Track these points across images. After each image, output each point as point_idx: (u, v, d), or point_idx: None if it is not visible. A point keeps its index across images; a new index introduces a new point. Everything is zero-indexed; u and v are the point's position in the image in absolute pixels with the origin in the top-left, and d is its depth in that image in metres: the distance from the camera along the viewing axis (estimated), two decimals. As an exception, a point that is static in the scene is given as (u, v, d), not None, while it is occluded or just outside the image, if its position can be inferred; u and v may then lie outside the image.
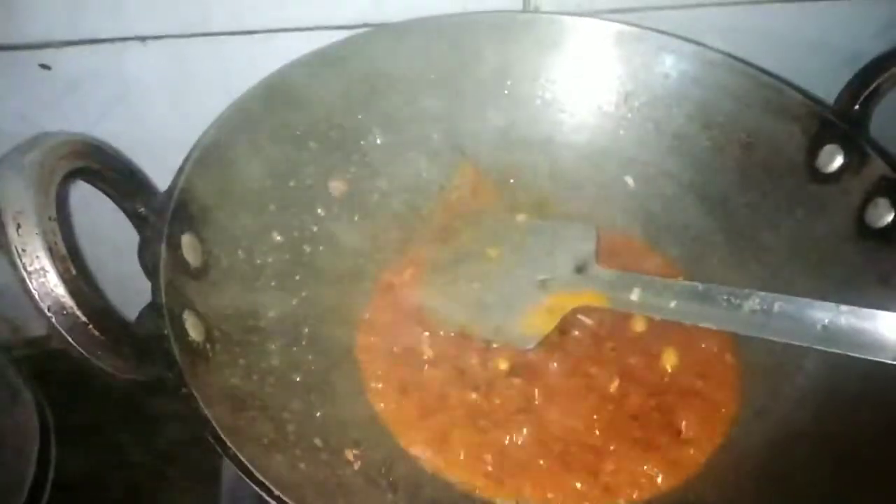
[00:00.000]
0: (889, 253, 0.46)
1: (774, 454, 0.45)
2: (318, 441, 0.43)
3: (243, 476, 0.34)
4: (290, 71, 0.50)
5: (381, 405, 0.48)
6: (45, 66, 0.52)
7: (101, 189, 0.43)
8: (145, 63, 0.53)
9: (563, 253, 0.54)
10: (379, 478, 0.44)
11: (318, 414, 0.45)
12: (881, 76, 0.50)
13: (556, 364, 0.50)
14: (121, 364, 0.37)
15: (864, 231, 0.48)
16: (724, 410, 0.49)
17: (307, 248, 0.51)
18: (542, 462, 0.46)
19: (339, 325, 0.51)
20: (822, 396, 0.46)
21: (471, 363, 0.50)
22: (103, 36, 0.51)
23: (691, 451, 0.47)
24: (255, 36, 0.53)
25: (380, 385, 0.49)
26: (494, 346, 0.51)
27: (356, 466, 0.44)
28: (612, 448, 0.47)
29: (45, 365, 0.58)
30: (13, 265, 0.34)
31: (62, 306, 0.34)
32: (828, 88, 0.54)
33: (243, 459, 0.34)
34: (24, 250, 0.34)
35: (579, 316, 0.52)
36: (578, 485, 0.46)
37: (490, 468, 0.46)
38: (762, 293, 0.45)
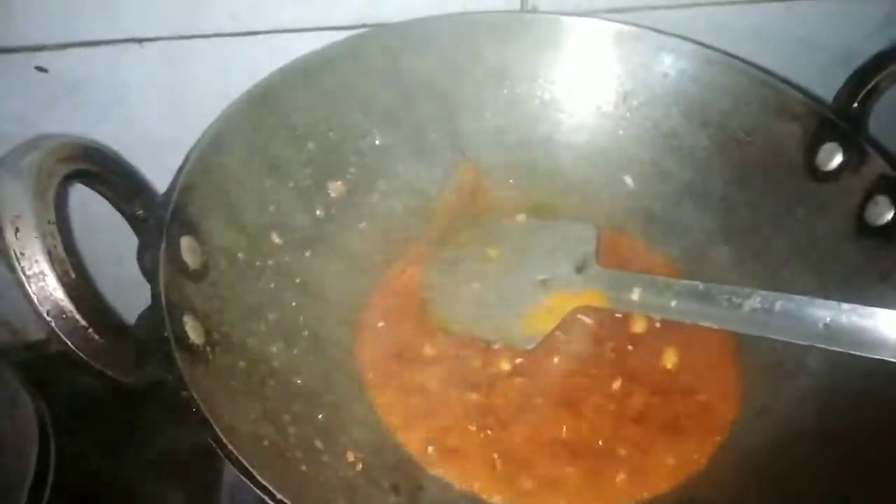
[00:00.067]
0: (889, 251, 0.46)
1: (776, 453, 0.45)
2: (319, 443, 0.43)
3: (244, 479, 0.34)
4: (288, 72, 0.50)
5: (383, 406, 0.48)
6: (41, 69, 0.52)
7: (99, 192, 0.42)
8: (142, 65, 0.53)
9: (564, 253, 0.53)
10: (381, 479, 0.44)
11: (320, 416, 0.45)
12: (880, 74, 0.50)
13: (556, 364, 0.50)
14: (121, 368, 0.36)
15: (864, 229, 0.48)
16: (725, 410, 0.49)
17: (307, 250, 0.51)
18: (543, 462, 0.46)
19: (339, 326, 0.51)
20: (824, 395, 0.45)
21: (472, 364, 0.50)
22: (100, 38, 0.51)
23: (693, 451, 0.47)
24: (253, 37, 0.53)
25: (381, 386, 0.49)
26: (495, 346, 0.51)
27: (358, 468, 0.44)
28: (613, 448, 0.47)
29: (44, 368, 0.57)
30: (12, 269, 0.34)
31: (61, 310, 0.34)
32: (824, 87, 0.54)
33: (244, 462, 0.34)
34: (22, 254, 0.34)
35: (579, 316, 0.52)
36: (581, 485, 0.46)
37: (491, 469, 0.46)
38: (763, 292, 0.45)
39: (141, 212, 0.43)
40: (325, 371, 0.48)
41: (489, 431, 0.47)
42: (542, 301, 0.52)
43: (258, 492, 0.34)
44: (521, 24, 0.56)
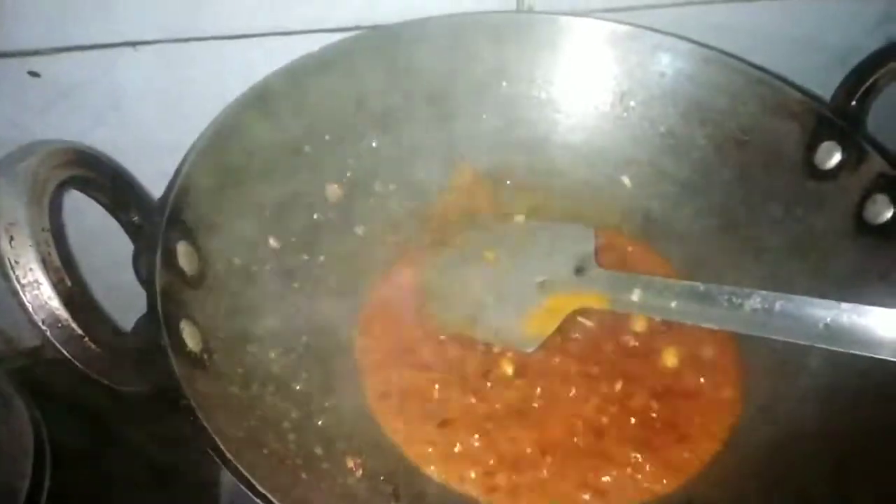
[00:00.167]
0: (888, 249, 0.46)
1: (777, 453, 0.45)
2: (319, 450, 0.43)
3: (244, 488, 0.34)
4: (283, 75, 0.50)
5: (382, 411, 0.48)
6: (34, 74, 0.51)
7: (94, 198, 0.42)
8: (137, 69, 0.52)
9: (562, 254, 0.53)
10: (381, 485, 0.44)
11: (320, 422, 0.45)
12: (878, 72, 0.50)
13: (557, 366, 0.50)
14: (117, 376, 0.36)
15: (863, 228, 0.48)
16: (726, 410, 0.49)
17: (304, 254, 0.51)
18: (545, 465, 0.46)
19: (337, 331, 0.51)
20: (825, 395, 0.45)
21: (471, 367, 0.50)
22: (94, 42, 0.51)
23: (694, 452, 0.47)
24: (248, 40, 0.53)
25: (380, 391, 0.49)
26: (495, 349, 0.50)
27: (358, 474, 0.44)
28: (615, 449, 0.47)
29: (40, 376, 0.57)
30: (6, 277, 0.33)
31: (57, 319, 0.34)
32: (821, 85, 0.54)
33: (243, 471, 0.34)
34: (17, 262, 0.33)
35: (579, 318, 0.52)
36: (582, 487, 0.45)
37: (493, 472, 0.46)
38: (763, 292, 0.45)
39: (136, 218, 0.42)
40: (323, 376, 0.48)
41: (490, 435, 0.47)
42: (542, 303, 0.51)
43: (258, 501, 0.34)
44: (518, 24, 0.56)
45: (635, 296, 0.50)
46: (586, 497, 0.45)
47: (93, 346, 0.35)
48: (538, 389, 0.49)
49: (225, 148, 0.47)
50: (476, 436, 0.47)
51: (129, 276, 0.40)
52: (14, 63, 0.50)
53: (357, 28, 0.54)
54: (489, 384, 0.49)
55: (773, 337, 0.44)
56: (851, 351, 0.41)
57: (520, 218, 0.58)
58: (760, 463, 0.45)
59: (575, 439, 0.47)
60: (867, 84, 0.50)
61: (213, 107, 0.47)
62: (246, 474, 0.34)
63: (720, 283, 0.48)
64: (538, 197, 0.59)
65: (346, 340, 0.51)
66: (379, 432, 0.47)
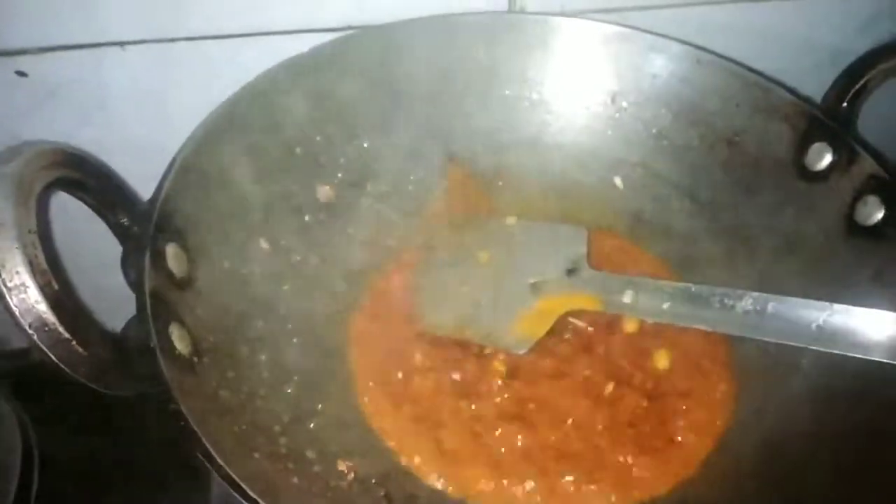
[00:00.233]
0: (880, 250, 0.47)
1: (771, 455, 0.45)
2: (310, 453, 0.43)
3: (234, 493, 0.33)
4: (272, 75, 0.50)
5: (374, 414, 0.47)
6: (21, 73, 0.51)
7: (82, 199, 0.42)
8: (125, 69, 0.52)
9: (555, 255, 0.53)
10: (373, 488, 0.44)
11: (311, 426, 0.45)
12: (868, 73, 0.50)
13: (549, 368, 0.50)
14: (106, 380, 0.36)
15: (855, 229, 0.48)
16: (718, 411, 0.49)
17: (295, 256, 0.51)
18: (537, 468, 0.46)
19: (329, 333, 0.50)
20: (818, 396, 0.45)
21: (464, 369, 0.49)
22: (81, 42, 0.50)
23: (687, 454, 0.47)
24: (237, 40, 0.52)
25: (372, 393, 0.48)
26: (487, 351, 0.50)
27: (350, 477, 0.43)
28: (607, 451, 0.47)
29: (27, 378, 0.56)
30: (-8, 281, 0.33)
31: (44, 322, 0.33)
32: (812, 86, 0.55)
33: (234, 476, 0.34)
34: (3, 265, 0.33)
35: (571, 319, 0.52)
36: (575, 489, 0.45)
37: (485, 475, 0.46)
38: (755, 293, 0.45)
39: (125, 220, 0.42)
40: (315, 379, 0.47)
41: (482, 437, 0.47)
42: (534, 304, 0.51)
43: (249, 505, 0.33)
44: (509, 25, 0.56)
45: (627, 297, 0.50)
46: (579, 499, 0.45)
47: (80, 349, 0.34)
48: (530, 392, 0.49)
49: (214, 149, 0.46)
50: (468, 438, 0.46)
51: (118, 278, 0.40)
52: (0, 62, 0.49)
53: (347, 28, 0.53)
54: (481, 387, 0.49)
55: (766, 338, 0.45)
56: (844, 352, 0.41)
57: (512, 219, 0.57)
58: (754, 464, 0.45)
59: (567, 441, 0.47)
60: (858, 86, 0.51)
61: (202, 107, 0.47)
62: (236, 479, 0.34)
63: (712, 284, 0.48)
64: (530, 198, 0.58)
65: (338, 343, 0.50)
66: (371, 435, 0.47)
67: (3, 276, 0.33)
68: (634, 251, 0.57)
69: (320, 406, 0.46)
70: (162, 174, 0.43)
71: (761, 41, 0.61)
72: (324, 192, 0.53)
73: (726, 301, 0.46)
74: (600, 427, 0.48)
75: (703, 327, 0.47)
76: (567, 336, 0.51)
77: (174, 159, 0.44)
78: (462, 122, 0.57)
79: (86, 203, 0.42)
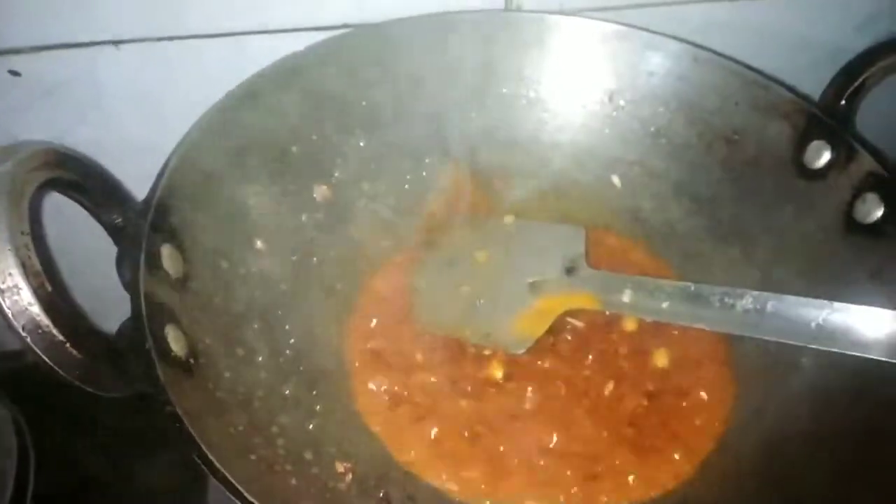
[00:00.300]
0: (879, 248, 0.46)
1: (771, 455, 0.45)
2: (308, 454, 0.43)
3: (232, 496, 0.33)
4: (268, 74, 0.49)
5: (372, 414, 0.47)
6: (14, 73, 0.50)
7: (76, 200, 0.41)
8: (119, 68, 0.52)
9: (553, 254, 0.53)
10: (372, 489, 0.43)
11: (310, 427, 0.44)
12: (867, 71, 0.50)
13: (547, 368, 0.49)
14: (101, 382, 0.35)
15: (854, 227, 0.48)
16: (718, 411, 0.48)
17: (292, 256, 0.50)
18: (537, 468, 0.46)
19: (327, 334, 0.50)
20: (818, 395, 0.45)
21: (462, 369, 0.49)
22: (75, 40, 0.50)
23: (687, 454, 0.47)
24: (232, 38, 0.52)
25: (370, 394, 0.48)
26: (486, 351, 0.50)
27: (348, 479, 0.43)
28: (606, 452, 0.46)
29: (23, 379, 0.56)
30: (-16, 283, 0.32)
31: (37, 325, 0.33)
32: (809, 84, 0.54)
33: (231, 479, 0.33)
34: (-5, 267, 0.32)
35: (569, 319, 0.52)
36: (574, 489, 0.45)
37: (484, 475, 0.45)
38: (755, 292, 0.45)
39: (119, 220, 0.41)
40: (313, 380, 0.47)
41: (481, 438, 0.47)
42: (532, 304, 0.51)
43: (246, 508, 0.33)
44: (506, 23, 0.55)
45: (626, 296, 0.49)
46: (579, 499, 0.45)
47: (74, 352, 0.34)
48: (529, 391, 0.48)
49: (210, 148, 0.46)
50: (467, 439, 0.46)
51: (112, 279, 0.39)
52: (-6, 62, 0.49)
53: (344, 27, 0.53)
54: (480, 387, 0.48)
55: (765, 337, 0.44)
56: (843, 351, 0.41)
57: (509, 218, 0.57)
58: (755, 464, 0.45)
59: (567, 441, 0.47)
60: (856, 83, 0.50)
61: (198, 106, 0.46)
62: (233, 481, 0.34)
63: (711, 283, 0.47)
64: (527, 197, 0.58)
65: (336, 343, 0.50)
66: (369, 436, 0.46)
67: (-4, 278, 0.32)
68: (632, 250, 0.57)
69: (318, 407, 0.46)
70: (157, 174, 0.43)
71: (759, 39, 0.61)
72: (321, 191, 0.53)
73: (726, 300, 0.45)
74: (600, 427, 0.47)
75: (702, 326, 0.47)
76: (566, 335, 0.51)
77: (169, 159, 0.43)
78: (459, 121, 0.57)
79: (80, 203, 0.41)
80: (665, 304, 0.48)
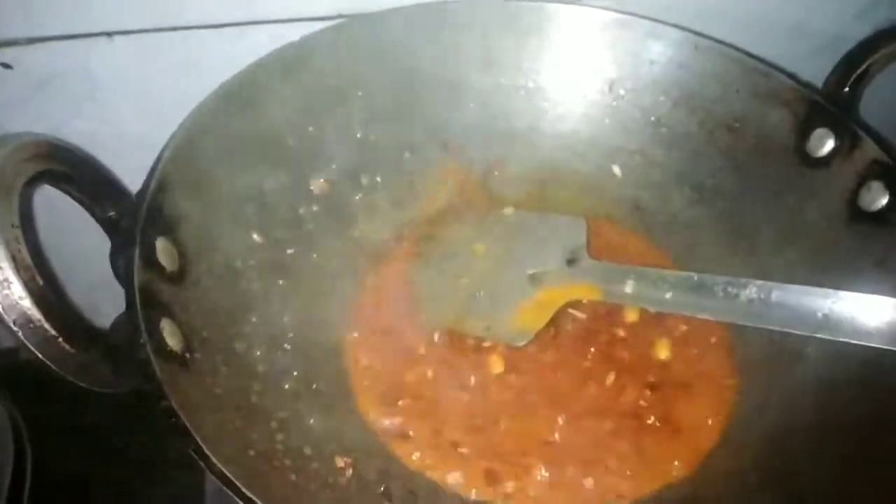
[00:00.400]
0: (884, 236, 0.46)
1: (775, 448, 0.44)
2: (308, 450, 0.42)
3: (229, 492, 0.33)
4: (264, 65, 0.49)
5: (372, 409, 0.47)
6: (6, 66, 0.50)
7: (68, 192, 0.41)
8: (113, 60, 0.51)
9: (553, 245, 0.52)
10: (372, 485, 0.43)
11: (310, 421, 0.44)
12: (870, 57, 0.50)
13: (549, 360, 0.49)
14: (95, 378, 0.35)
15: (858, 215, 0.47)
16: (721, 402, 0.48)
17: (289, 250, 0.50)
18: (538, 461, 0.45)
19: (325, 327, 0.49)
20: (823, 386, 0.45)
21: (463, 362, 0.49)
22: (68, 32, 0.49)
23: (689, 447, 0.46)
24: (227, 29, 0.52)
25: (370, 388, 0.47)
26: (486, 344, 0.49)
27: (348, 474, 0.43)
28: (609, 444, 0.46)
29: (17, 377, 0.55)
30: (-27, 277, 0.32)
31: (28, 319, 0.32)
32: (811, 72, 0.54)
33: (229, 475, 0.33)
34: (-17, 261, 0.32)
35: (570, 310, 0.51)
36: (577, 483, 0.45)
37: (485, 469, 0.45)
38: (759, 282, 0.44)
39: (113, 213, 0.41)
40: (312, 374, 0.46)
41: (482, 431, 0.46)
42: (533, 296, 0.50)
43: (244, 504, 0.33)
44: (505, 12, 0.55)
45: (629, 287, 0.49)
46: (582, 493, 0.44)
47: (67, 347, 0.33)
48: (530, 384, 0.48)
49: (205, 140, 0.45)
50: (468, 432, 0.46)
51: (106, 273, 0.39)
52: (-16, 54, 0.49)
53: (339, 17, 0.52)
54: (481, 380, 0.48)
55: (771, 327, 0.44)
56: (850, 340, 0.41)
57: (509, 209, 0.56)
58: (757, 457, 0.44)
59: (569, 434, 0.46)
60: (860, 70, 0.50)
61: (193, 98, 0.46)
62: (231, 477, 0.33)
63: (713, 273, 0.47)
64: (527, 188, 0.58)
65: (335, 337, 0.49)
66: (369, 431, 0.46)
67: (-15, 272, 0.32)
68: (633, 240, 0.56)
69: (318, 402, 0.45)
70: (151, 166, 0.42)
71: (758, 27, 0.60)
72: (317, 184, 0.52)
73: (730, 290, 0.45)
74: (601, 419, 0.47)
75: (706, 316, 0.47)
76: (567, 327, 0.51)
77: (163, 151, 0.43)
78: (457, 112, 0.56)
79: (72, 196, 0.41)
80: (668, 295, 0.47)
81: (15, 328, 0.32)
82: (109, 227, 0.41)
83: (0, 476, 0.51)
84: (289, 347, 0.47)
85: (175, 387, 0.35)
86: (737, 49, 0.53)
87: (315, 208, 0.52)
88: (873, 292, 0.41)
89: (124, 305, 0.37)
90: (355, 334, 0.50)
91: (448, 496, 0.44)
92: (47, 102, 0.51)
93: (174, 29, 0.51)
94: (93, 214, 0.41)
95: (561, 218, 0.55)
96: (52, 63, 0.50)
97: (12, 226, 0.33)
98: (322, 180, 0.52)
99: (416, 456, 0.45)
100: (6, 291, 0.32)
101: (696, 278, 0.47)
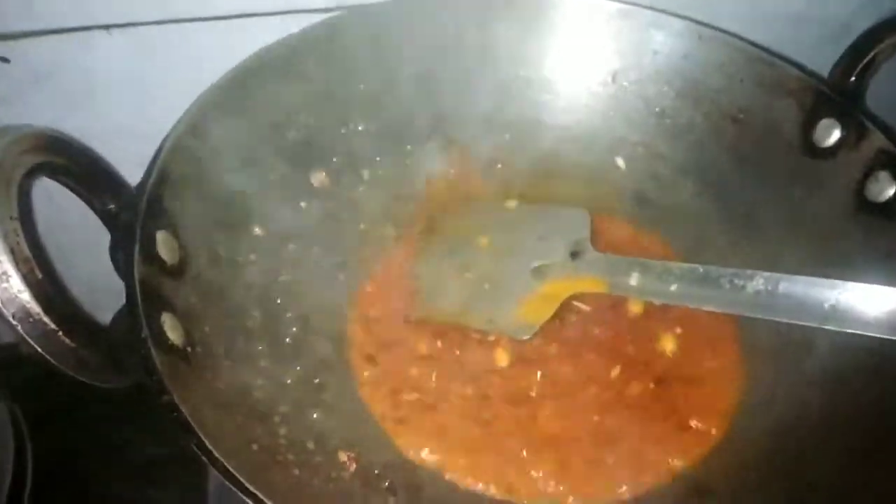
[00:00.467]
0: (892, 227, 0.45)
1: (781, 441, 0.44)
2: (311, 444, 0.42)
3: (232, 487, 0.32)
4: (263, 57, 0.48)
5: (375, 403, 0.46)
6: (4, 59, 0.49)
7: (67, 185, 0.40)
8: (111, 53, 0.50)
9: (557, 238, 0.52)
10: (376, 479, 0.43)
11: (313, 416, 0.43)
12: (877, 47, 0.49)
13: (553, 354, 0.49)
14: (95, 372, 0.35)
15: (866, 206, 0.47)
16: (728, 395, 0.47)
17: (290, 243, 0.49)
18: (543, 455, 0.45)
19: (328, 321, 0.49)
20: (830, 379, 0.44)
21: (467, 356, 0.48)
22: (65, 25, 0.49)
23: (695, 440, 0.46)
24: (226, 22, 0.51)
25: (373, 382, 0.47)
26: (490, 338, 0.49)
27: (352, 468, 0.42)
28: (613, 438, 0.46)
29: (17, 372, 0.55)
30: (-28, 270, 0.31)
31: (28, 313, 0.32)
32: (816, 62, 0.53)
33: (231, 469, 0.33)
34: (-19, 254, 0.31)
35: (574, 302, 0.51)
36: (582, 476, 0.44)
37: (490, 463, 0.45)
38: (766, 273, 0.44)
39: (112, 206, 0.40)
40: (315, 368, 0.46)
41: (487, 425, 0.46)
42: (537, 289, 0.50)
43: (247, 499, 0.32)
44: (506, 2, 0.54)
45: (634, 280, 0.48)
46: (587, 486, 0.44)
47: (67, 340, 0.33)
48: (535, 377, 0.48)
49: (204, 133, 0.45)
50: (473, 426, 0.46)
51: (106, 266, 0.38)
52: (-19, 48, 0.48)
53: (339, 8, 0.52)
54: (485, 374, 0.48)
55: (778, 319, 0.43)
56: (858, 331, 0.40)
57: (512, 202, 0.56)
58: (764, 450, 0.44)
59: (574, 427, 0.46)
60: (866, 60, 0.49)
61: (191, 91, 0.45)
62: (234, 472, 0.33)
63: (719, 265, 0.46)
64: (530, 180, 0.57)
65: (338, 331, 0.49)
66: (373, 425, 0.46)
67: (-17, 264, 0.31)
68: (637, 232, 0.56)
69: (321, 396, 0.45)
70: (150, 159, 0.42)
71: (763, 16, 0.59)
72: (318, 177, 0.52)
73: (736, 281, 0.44)
74: (606, 412, 0.47)
75: (712, 308, 0.46)
76: (571, 320, 0.50)
77: (163, 144, 0.42)
78: (458, 104, 0.55)
79: (71, 189, 0.40)
80: (674, 287, 0.47)
81: (14, 322, 0.32)
82: (109, 219, 0.41)
83: (1, 473, 0.50)
84: (291, 342, 0.46)
85: (176, 381, 0.35)
86: (741, 39, 0.52)
87: (316, 202, 0.52)
88: (881, 283, 0.41)
89: (124, 299, 0.36)
90: (358, 328, 0.50)
91: (452, 490, 0.44)
92: (45, 96, 0.51)
93: (172, 22, 0.50)
94: (92, 207, 0.41)
95: (564, 210, 0.54)
96: (51, 57, 0.50)
97: (11, 218, 0.33)
98: (323, 173, 0.52)
99: (420, 449, 0.45)
100: (5, 285, 0.32)
101: (701, 270, 0.46)
